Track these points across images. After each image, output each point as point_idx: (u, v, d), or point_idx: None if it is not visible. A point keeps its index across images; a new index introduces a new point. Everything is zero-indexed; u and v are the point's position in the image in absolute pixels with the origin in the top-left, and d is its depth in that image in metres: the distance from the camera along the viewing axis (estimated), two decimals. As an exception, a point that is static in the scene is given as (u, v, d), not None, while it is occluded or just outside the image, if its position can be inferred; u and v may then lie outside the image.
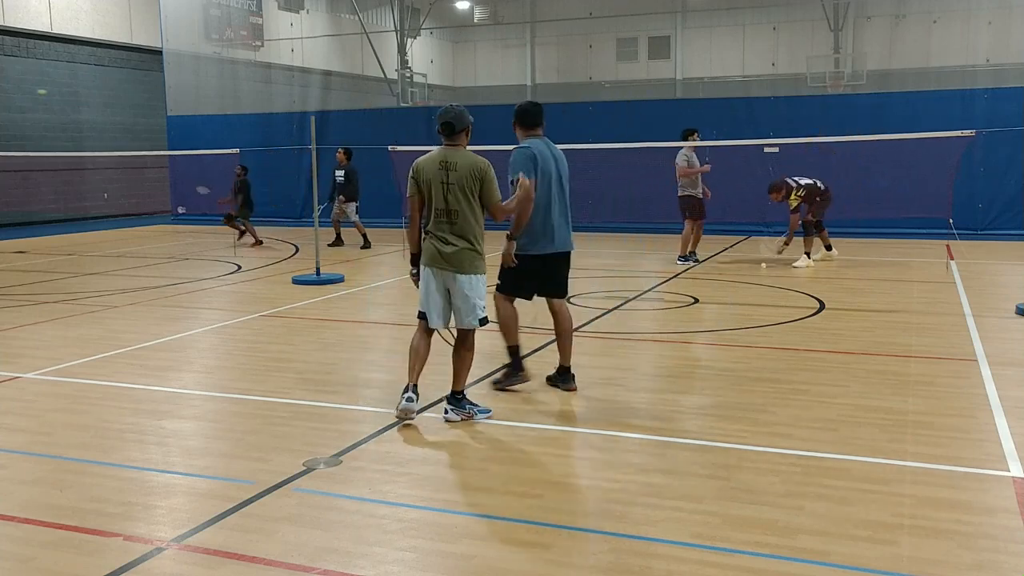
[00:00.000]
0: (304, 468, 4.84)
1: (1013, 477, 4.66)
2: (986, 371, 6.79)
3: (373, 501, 4.44)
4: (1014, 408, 5.84)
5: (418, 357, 5.76)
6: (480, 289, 5.66)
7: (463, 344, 5.77)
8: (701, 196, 13.09)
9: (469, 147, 5.73)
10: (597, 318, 9.11)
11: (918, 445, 5.16)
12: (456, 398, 5.75)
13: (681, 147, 13.10)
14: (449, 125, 5.59)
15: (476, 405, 5.80)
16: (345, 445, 5.22)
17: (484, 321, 5.71)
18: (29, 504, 4.42)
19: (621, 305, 9.76)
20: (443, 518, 4.24)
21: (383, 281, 12.36)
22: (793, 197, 12.31)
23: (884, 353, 7.48)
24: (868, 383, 6.53)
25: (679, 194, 13.06)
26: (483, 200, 5.61)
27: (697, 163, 13.07)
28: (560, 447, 5.30)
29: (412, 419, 5.66)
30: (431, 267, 5.65)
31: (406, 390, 5.65)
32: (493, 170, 5.64)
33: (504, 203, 5.72)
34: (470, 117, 5.68)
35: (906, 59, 27.64)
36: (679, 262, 13.08)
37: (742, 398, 6.20)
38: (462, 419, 5.67)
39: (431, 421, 5.74)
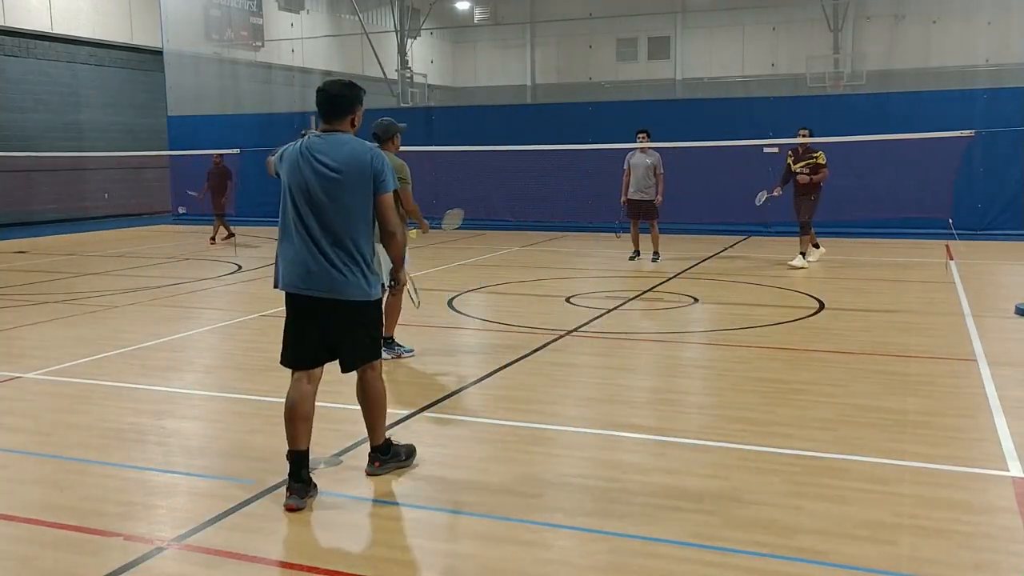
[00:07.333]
0: (304, 468, 4.83)
1: (1012, 477, 4.66)
2: (985, 371, 6.79)
3: (373, 501, 4.44)
4: (1013, 408, 5.84)
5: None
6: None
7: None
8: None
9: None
10: (597, 318, 9.11)
11: (918, 445, 5.17)
12: (387, 342, 7.21)
13: (643, 148, 13.14)
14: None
15: (402, 346, 7.39)
16: (345, 445, 5.22)
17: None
18: (29, 504, 4.42)
19: (621, 305, 9.76)
20: (443, 518, 4.24)
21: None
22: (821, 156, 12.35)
23: (884, 353, 7.48)
24: (868, 383, 6.53)
25: (651, 198, 13.08)
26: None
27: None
28: (560, 447, 5.30)
29: None
30: None
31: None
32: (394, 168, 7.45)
33: None
34: (392, 126, 6.98)
35: (906, 59, 27.58)
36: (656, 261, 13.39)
37: (742, 398, 6.21)
38: (392, 358, 7.14)
39: (431, 421, 5.75)
